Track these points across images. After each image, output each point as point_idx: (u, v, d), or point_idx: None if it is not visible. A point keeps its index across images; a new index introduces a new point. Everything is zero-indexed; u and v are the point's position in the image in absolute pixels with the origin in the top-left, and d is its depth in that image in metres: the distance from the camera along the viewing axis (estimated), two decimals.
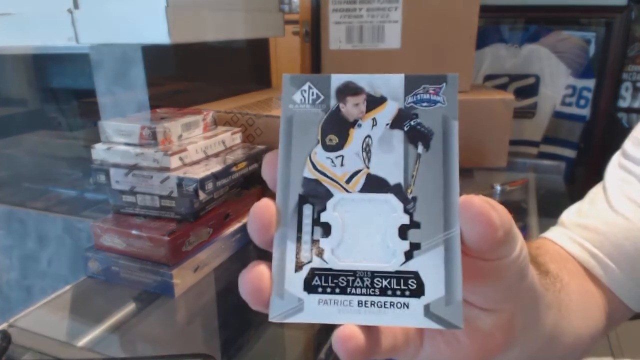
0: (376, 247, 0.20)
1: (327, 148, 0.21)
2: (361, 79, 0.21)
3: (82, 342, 0.49)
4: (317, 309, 0.19)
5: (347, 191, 0.21)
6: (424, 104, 0.21)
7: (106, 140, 0.61)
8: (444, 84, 0.21)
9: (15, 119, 1.08)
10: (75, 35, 0.69)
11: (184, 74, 0.83)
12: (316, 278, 0.20)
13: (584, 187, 0.46)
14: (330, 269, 0.20)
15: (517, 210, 0.80)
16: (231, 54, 0.94)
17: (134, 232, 0.56)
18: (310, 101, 0.21)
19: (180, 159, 0.58)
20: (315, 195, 0.20)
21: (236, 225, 0.66)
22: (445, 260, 0.19)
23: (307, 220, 0.20)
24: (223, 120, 0.74)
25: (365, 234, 0.20)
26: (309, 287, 0.20)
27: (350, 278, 0.20)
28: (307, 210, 0.20)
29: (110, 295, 0.57)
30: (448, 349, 0.25)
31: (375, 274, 0.20)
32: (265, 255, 0.21)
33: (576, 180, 1.40)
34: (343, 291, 0.20)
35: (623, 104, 1.34)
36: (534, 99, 1.37)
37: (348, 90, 0.21)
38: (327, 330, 0.50)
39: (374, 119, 0.21)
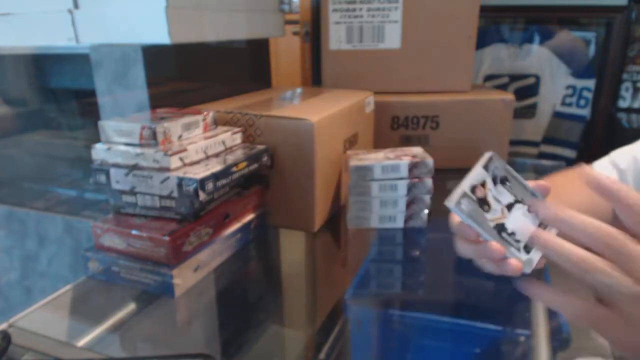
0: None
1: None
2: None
3: (82, 342, 0.49)
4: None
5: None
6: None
7: (106, 140, 0.61)
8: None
9: (15, 119, 1.08)
10: (75, 35, 0.69)
11: (184, 74, 0.83)
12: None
13: None
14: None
15: None
16: (231, 54, 0.94)
17: (134, 232, 0.56)
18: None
19: (180, 159, 0.58)
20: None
21: (236, 225, 0.66)
22: None
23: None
24: (223, 120, 0.74)
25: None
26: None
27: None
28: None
29: (110, 295, 0.57)
30: None
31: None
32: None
33: None
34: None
35: (623, 104, 1.34)
36: (534, 99, 1.37)
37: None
38: (327, 330, 0.50)
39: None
